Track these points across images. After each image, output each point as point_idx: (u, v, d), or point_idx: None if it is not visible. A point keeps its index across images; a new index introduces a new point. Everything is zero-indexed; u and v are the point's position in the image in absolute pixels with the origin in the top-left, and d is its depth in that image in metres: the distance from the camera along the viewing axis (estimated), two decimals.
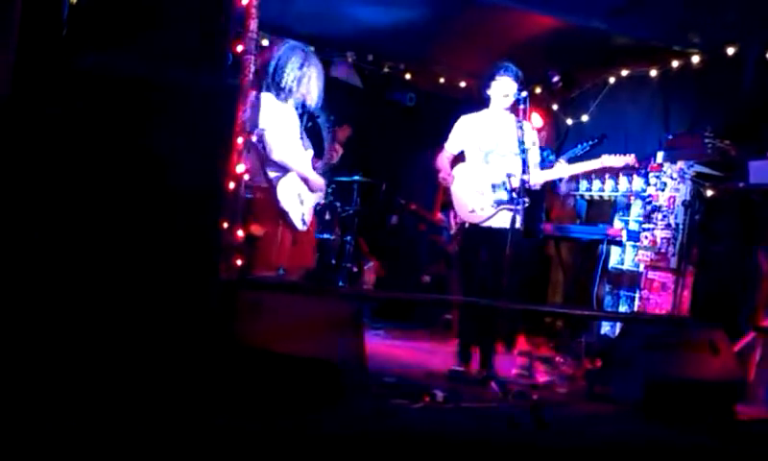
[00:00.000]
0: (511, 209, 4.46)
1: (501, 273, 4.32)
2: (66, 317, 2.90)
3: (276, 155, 4.30)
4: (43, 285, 2.90)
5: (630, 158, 4.73)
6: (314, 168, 4.63)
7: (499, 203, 4.57)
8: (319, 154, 4.93)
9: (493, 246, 4.53)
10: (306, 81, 4.44)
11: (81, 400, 2.73)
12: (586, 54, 6.26)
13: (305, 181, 4.47)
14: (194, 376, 2.98)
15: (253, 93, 4.27)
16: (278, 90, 4.38)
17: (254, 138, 4.23)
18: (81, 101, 2.98)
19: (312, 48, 5.67)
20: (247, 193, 5.81)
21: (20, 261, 2.90)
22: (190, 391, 2.93)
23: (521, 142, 4.44)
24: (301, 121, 4.63)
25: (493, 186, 4.61)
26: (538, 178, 4.66)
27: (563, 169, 4.84)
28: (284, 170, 4.37)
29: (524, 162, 4.41)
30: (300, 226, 4.45)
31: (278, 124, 4.34)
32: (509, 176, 4.55)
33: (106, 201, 2.99)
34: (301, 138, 4.53)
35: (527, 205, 4.38)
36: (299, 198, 4.44)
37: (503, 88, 4.61)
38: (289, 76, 4.38)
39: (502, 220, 4.56)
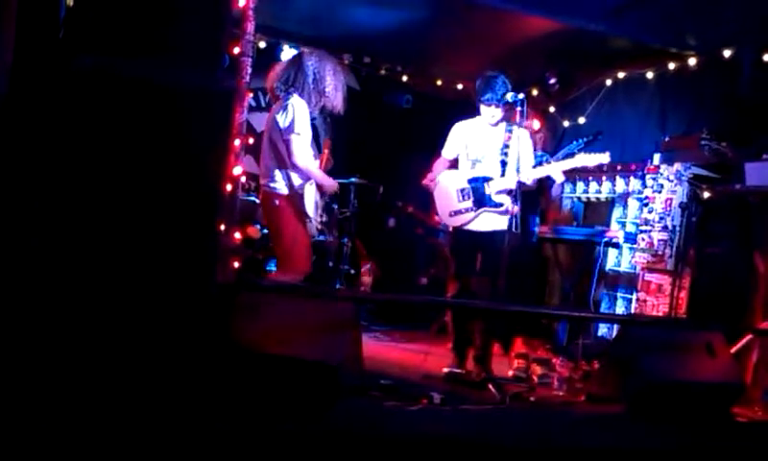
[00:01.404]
0: (493, 212, 4.53)
1: (494, 275, 4.35)
2: (65, 320, 2.89)
3: (301, 161, 4.33)
4: (42, 288, 2.90)
5: (603, 157, 4.74)
6: None
7: (479, 205, 4.62)
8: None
9: (482, 249, 4.62)
10: (342, 88, 4.57)
11: (81, 403, 2.73)
12: (582, 56, 6.27)
13: (320, 187, 4.52)
14: (192, 379, 2.97)
15: (292, 97, 4.37)
16: (320, 97, 4.47)
17: (292, 141, 4.30)
18: (77, 102, 2.97)
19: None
20: (250, 196, 5.86)
21: (19, 263, 2.89)
22: (188, 393, 2.93)
23: (506, 146, 4.51)
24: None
25: (472, 190, 4.66)
26: (524, 176, 4.65)
27: (545, 169, 4.83)
28: (306, 177, 4.41)
29: (503, 165, 4.45)
30: (314, 233, 4.53)
31: (307, 131, 4.40)
32: (487, 180, 4.60)
33: (101, 202, 2.98)
34: (311, 147, 4.57)
35: (508, 208, 4.42)
36: (316, 206, 4.49)
37: (488, 113, 4.67)
38: (330, 84, 4.48)
39: (485, 223, 4.62)
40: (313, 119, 4.66)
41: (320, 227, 4.64)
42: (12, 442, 2.39)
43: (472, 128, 4.78)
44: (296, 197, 4.39)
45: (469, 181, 4.70)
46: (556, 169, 4.79)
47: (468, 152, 4.75)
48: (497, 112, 4.64)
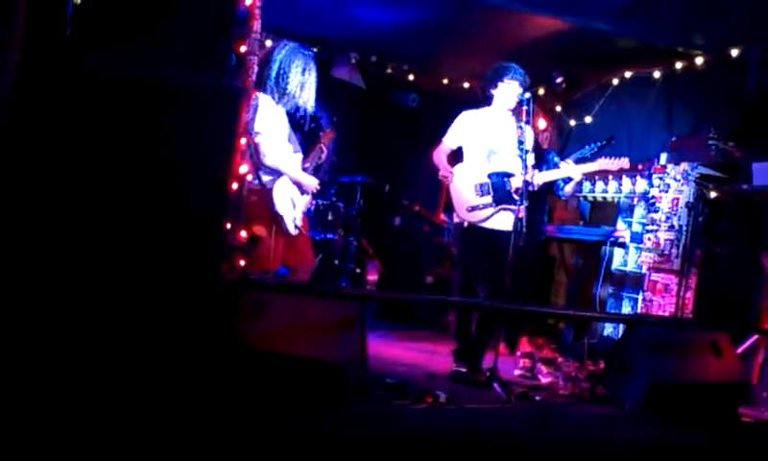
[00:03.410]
0: (511, 210, 4.47)
1: (502, 275, 4.32)
2: (72, 318, 2.90)
3: (270, 160, 4.27)
4: (49, 288, 2.91)
5: (624, 162, 4.76)
6: (303, 169, 4.61)
7: (499, 201, 4.57)
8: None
9: (494, 248, 4.52)
10: (308, 86, 4.42)
11: (85, 400, 2.74)
12: (589, 55, 6.26)
13: (297, 184, 4.46)
14: (197, 377, 2.98)
15: (254, 95, 4.27)
16: (282, 95, 4.35)
17: (257, 140, 4.22)
18: (84, 100, 2.98)
19: (316, 50, 5.66)
20: None
21: (25, 264, 2.91)
22: (193, 391, 2.94)
23: (521, 142, 4.46)
24: (304, 123, 4.62)
25: (493, 185, 4.60)
26: (537, 178, 4.64)
27: (564, 170, 4.83)
28: (277, 174, 4.35)
29: (524, 163, 4.42)
30: (292, 230, 4.42)
31: (273, 128, 4.32)
32: (509, 176, 4.56)
33: (109, 201, 2.99)
34: (290, 141, 4.49)
35: (527, 206, 4.38)
36: (291, 202, 4.43)
37: (510, 92, 4.60)
38: (293, 81, 4.34)
39: (501, 221, 4.56)
40: (312, 115, 4.56)
41: (297, 223, 4.51)
42: (14, 435, 2.40)
43: (482, 118, 4.70)
44: (264, 194, 4.29)
45: (490, 176, 4.61)
46: (570, 172, 4.79)
47: (483, 143, 4.66)
48: (519, 91, 4.55)
